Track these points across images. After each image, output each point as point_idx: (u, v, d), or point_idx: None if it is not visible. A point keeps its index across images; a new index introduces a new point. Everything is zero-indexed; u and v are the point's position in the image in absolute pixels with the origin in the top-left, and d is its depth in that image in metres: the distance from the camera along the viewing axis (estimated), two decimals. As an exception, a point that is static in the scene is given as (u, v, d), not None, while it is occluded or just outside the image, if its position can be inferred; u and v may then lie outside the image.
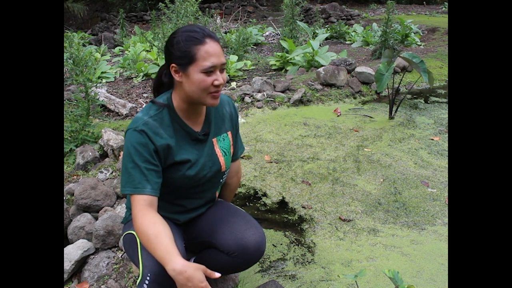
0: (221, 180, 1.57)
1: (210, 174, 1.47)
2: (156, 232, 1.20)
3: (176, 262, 1.14)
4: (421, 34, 8.23)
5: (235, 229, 1.45)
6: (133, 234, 1.40)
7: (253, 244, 1.42)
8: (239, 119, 1.68)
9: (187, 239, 1.56)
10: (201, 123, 1.44)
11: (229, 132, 1.55)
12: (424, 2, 14.27)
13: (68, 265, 1.80)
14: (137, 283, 1.28)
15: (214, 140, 1.48)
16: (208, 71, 1.27)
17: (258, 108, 3.94)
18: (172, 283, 1.27)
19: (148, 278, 1.25)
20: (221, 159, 1.50)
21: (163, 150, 1.33)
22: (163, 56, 1.47)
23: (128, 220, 1.52)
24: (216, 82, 1.28)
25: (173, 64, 1.31)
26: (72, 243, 1.93)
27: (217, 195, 1.63)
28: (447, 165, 2.88)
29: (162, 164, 1.35)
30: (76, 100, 3.09)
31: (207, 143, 1.46)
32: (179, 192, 1.46)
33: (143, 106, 1.41)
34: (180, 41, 1.28)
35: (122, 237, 1.52)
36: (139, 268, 1.30)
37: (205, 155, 1.44)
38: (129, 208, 1.55)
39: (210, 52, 1.26)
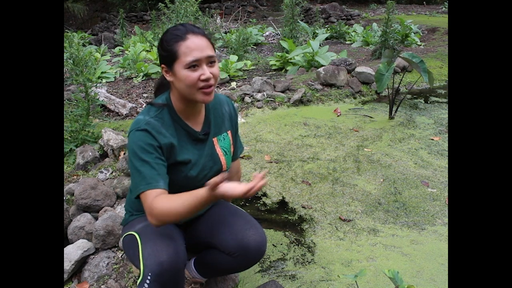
0: None
1: (211, 174, 1.47)
2: (177, 200, 1.22)
3: (204, 191, 1.16)
4: (421, 34, 8.23)
5: (236, 229, 1.45)
6: (133, 235, 1.40)
7: (254, 244, 1.42)
8: (239, 119, 1.68)
9: (188, 240, 1.56)
10: (200, 123, 1.44)
11: (229, 131, 1.55)
12: (424, 2, 14.27)
13: (68, 265, 1.80)
14: (138, 283, 1.28)
15: (215, 139, 1.48)
16: (192, 66, 1.25)
17: (258, 108, 3.94)
18: (173, 283, 1.27)
19: (149, 277, 1.25)
20: (222, 159, 1.50)
21: (166, 148, 1.33)
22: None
23: (127, 222, 1.52)
24: (202, 77, 1.26)
25: (162, 65, 1.32)
26: (72, 243, 1.93)
27: None
28: (447, 165, 2.88)
29: (166, 160, 1.35)
30: (76, 100, 3.09)
31: (207, 143, 1.45)
32: (181, 192, 1.46)
33: (143, 109, 1.40)
34: (164, 41, 1.29)
35: (121, 238, 1.52)
36: (139, 268, 1.29)
37: (206, 155, 1.44)
38: (128, 211, 1.54)
39: (191, 47, 1.25)
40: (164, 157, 1.33)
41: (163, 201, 1.22)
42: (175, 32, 1.28)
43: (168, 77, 1.32)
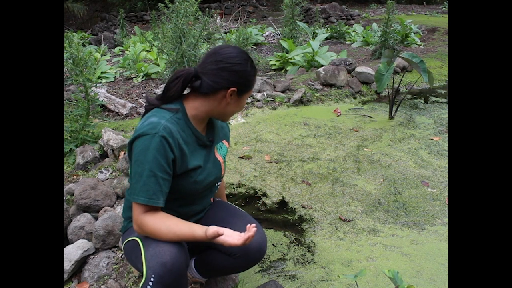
0: (217, 185, 1.59)
1: (213, 180, 1.50)
2: (170, 224, 1.28)
3: (202, 232, 1.26)
4: (421, 34, 8.23)
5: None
6: (135, 239, 1.39)
7: (255, 245, 1.43)
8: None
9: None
10: (205, 130, 1.45)
11: (224, 140, 1.58)
12: (424, 2, 14.27)
13: (68, 265, 1.80)
14: (140, 284, 1.27)
15: (215, 147, 1.51)
16: None
17: (258, 108, 3.94)
18: (176, 284, 1.27)
19: (152, 279, 1.24)
20: (222, 166, 1.53)
21: (180, 158, 1.32)
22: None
23: (127, 228, 1.51)
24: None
25: (234, 88, 1.33)
26: (72, 243, 1.93)
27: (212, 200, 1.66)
28: (447, 165, 2.88)
29: (176, 172, 1.34)
30: (76, 100, 3.09)
31: (211, 149, 1.48)
32: (184, 200, 1.46)
33: (152, 111, 1.38)
34: (247, 71, 1.35)
35: (123, 245, 1.51)
36: (142, 270, 1.29)
37: (210, 161, 1.46)
38: (127, 217, 1.53)
39: (255, 82, 1.44)
40: (174, 170, 1.32)
41: (154, 221, 1.29)
42: (254, 65, 1.40)
43: (229, 99, 1.35)
